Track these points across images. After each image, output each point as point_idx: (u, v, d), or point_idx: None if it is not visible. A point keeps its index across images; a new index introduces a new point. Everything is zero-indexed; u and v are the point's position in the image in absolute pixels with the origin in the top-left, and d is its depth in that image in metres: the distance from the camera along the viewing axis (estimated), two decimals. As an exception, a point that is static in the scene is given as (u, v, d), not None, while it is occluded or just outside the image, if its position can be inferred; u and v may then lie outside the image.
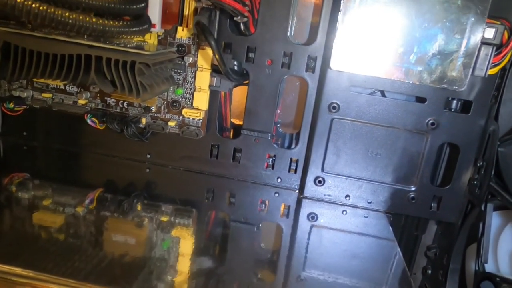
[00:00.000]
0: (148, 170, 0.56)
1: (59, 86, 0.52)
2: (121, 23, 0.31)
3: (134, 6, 0.33)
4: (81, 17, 0.28)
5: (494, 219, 0.43)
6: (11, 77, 0.42)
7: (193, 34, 0.47)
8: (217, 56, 0.43)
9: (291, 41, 0.48)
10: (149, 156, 0.55)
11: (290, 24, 0.48)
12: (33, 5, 0.26)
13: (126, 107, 0.52)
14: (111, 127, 0.51)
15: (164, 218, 0.53)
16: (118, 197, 0.55)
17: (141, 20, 0.34)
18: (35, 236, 0.42)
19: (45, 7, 0.27)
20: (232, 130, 0.56)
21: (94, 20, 0.29)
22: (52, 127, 0.56)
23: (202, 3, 0.45)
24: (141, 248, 0.44)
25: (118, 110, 0.52)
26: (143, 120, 0.52)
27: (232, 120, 0.56)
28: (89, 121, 0.51)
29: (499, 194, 0.42)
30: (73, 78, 0.41)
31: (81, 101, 0.52)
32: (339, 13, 0.45)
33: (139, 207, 0.55)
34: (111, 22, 0.30)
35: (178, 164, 0.55)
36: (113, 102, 0.52)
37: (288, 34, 0.48)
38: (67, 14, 0.27)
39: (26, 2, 0.26)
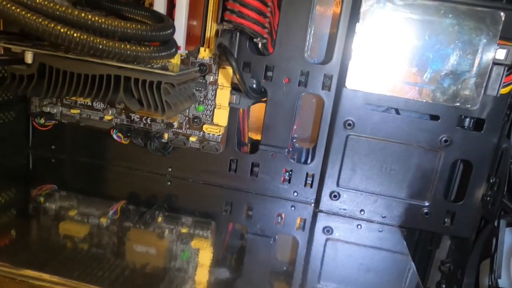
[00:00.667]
0: (169, 183, 0.58)
1: (87, 102, 0.55)
2: (151, 49, 0.33)
3: (163, 33, 0.35)
4: (117, 45, 0.31)
5: (508, 235, 0.44)
6: (46, 95, 0.45)
7: (214, 54, 0.50)
8: (237, 76, 0.46)
9: (308, 61, 0.50)
10: (170, 169, 0.57)
11: (307, 44, 0.50)
12: (75, 35, 0.29)
13: (149, 122, 0.55)
14: (135, 141, 0.53)
15: (184, 230, 0.55)
16: (140, 208, 0.57)
17: (169, 45, 0.37)
18: (61, 245, 0.44)
19: (85, 36, 0.29)
20: (249, 145, 0.58)
21: (128, 47, 0.31)
22: (79, 141, 0.59)
23: (224, 25, 0.47)
24: (162, 258, 0.46)
25: (142, 126, 0.55)
26: (166, 136, 0.54)
27: (249, 135, 0.58)
28: (115, 136, 0.53)
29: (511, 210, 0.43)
30: (103, 97, 0.43)
31: (107, 117, 0.55)
32: (355, 35, 0.47)
33: (160, 219, 0.57)
34: (143, 48, 0.32)
35: (198, 177, 0.57)
36: (137, 118, 0.55)
37: (305, 53, 0.50)
38: (104, 42, 0.30)
39: (68, 32, 0.29)
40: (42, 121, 0.55)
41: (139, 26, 0.32)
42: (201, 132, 0.54)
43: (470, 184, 0.49)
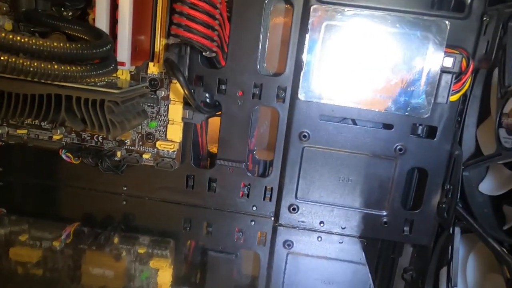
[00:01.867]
0: (124, 202, 0.56)
1: (35, 122, 0.53)
2: (84, 68, 0.32)
3: (99, 50, 0.34)
4: (42, 65, 0.29)
5: (462, 242, 0.44)
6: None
7: (163, 69, 0.49)
8: (186, 92, 0.44)
9: (261, 73, 0.50)
10: (125, 188, 0.55)
11: (259, 56, 0.49)
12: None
13: (101, 141, 0.53)
14: (85, 161, 0.51)
15: (142, 250, 0.53)
16: (95, 230, 0.55)
17: (106, 62, 0.35)
18: (12, 271, 0.42)
19: (5, 57, 0.28)
20: (209, 159, 0.57)
21: (56, 67, 0.30)
22: (28, 162, 0.56)
23: (172, 40, 0.46)
24: (120, 280, 0.45)
25: (93, 144, 0.53)
26: (118, 153, 0.53)
27: (209, 149, 0.57)
28: (64, 156, 0.51)
29: (464, 218, 0.43)
30: (44, 117, 0.42)
31: (56, 137, 0.52)
32: (305, 46, 0.47)
33: (116, 240, 0.55)
34: (74, 68, 0.31)
35: (154, 195, 0.56)
36: (88, 136, 0.53)
37: (258, 66, 0.49)
38: (28, 63, 0.28)
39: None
40: (-15, 143, 0.52)
41: (67, 45, 0.30)
42: (155, 149, 0.52)
43: (426, 192, 0.49)
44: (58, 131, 0.52)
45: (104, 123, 0.41)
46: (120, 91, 0.41)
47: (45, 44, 0.29)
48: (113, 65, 0.36)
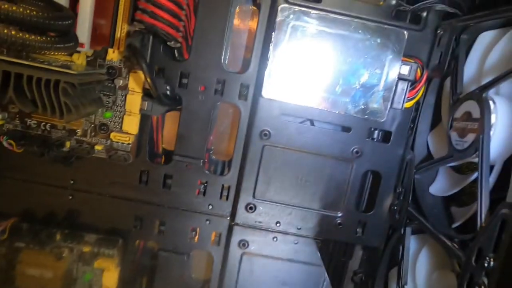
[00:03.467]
0: (70, 197, 0.52)
1: (-28, 104, 0.48)
2: (44, 39, 0.29)
3: (60, 22, 0.31)
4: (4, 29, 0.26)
5: (412, 242, 0.46)
6: None
7: (124, 57, 0.47)
8: (148, 80, 0.43)
9: (225, 69, 0.49)
10: (72, 182, 0.52)
11: (223, 52, 0.49)
12: None
13: (48, 129, 0.49)
14: (30, 150, 0.47)
15: (87, 249, 0.50)
16: (35, 226, 0.51)
17: (67, 37, 0.33)
18: None
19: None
20: (163, 156, 0.55)
21: (13, 32, 0.27)
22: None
23: (135, 26, 0.45)
24: (59, 282, 0.41)
25: (39, 133, 0.49)
26: (67, 144, 0.49)
27: (163, 146, 0.55)
28: (5, 143, 0.47)
29: (416, 218, 0.45)
30: (-13, 96, 0.38)
31: (-3, 122, 0.48)
32: (271, 44, 0.47)
33: (58, 237, 0.51)
34: (33, 37, 0.28)
35: (104, 190, 0.52)
36: (34, 123, 0.49)
37: (222, 61, 0.49)
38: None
39: None
40: None
41: (28, 11, 0.28)
42: (109, 141, 0.50)
43: (379, 194, 0.51)
44: (0, 116, 0.48)
45: (57, 106, 0.39)
46: (78, 72, 0.39)
47: (3, 6, 0.27)
48: (73, 42, 0.34)
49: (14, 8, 0.27)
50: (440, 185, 0.44)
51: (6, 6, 0.27)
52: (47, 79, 0.38)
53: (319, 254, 0.49)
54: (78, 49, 0.40)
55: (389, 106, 0.48)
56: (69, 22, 0.33)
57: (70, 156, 0.50)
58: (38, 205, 0.52)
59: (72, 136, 0.49)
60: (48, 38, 0.30)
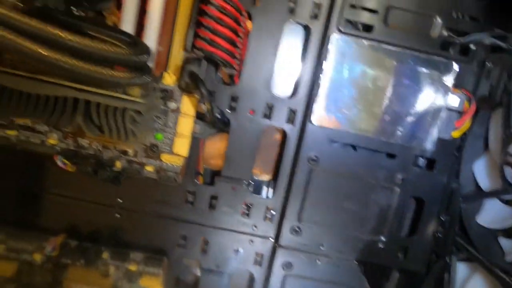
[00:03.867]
0: (118, 215, 0.53)
1: (27, 123, 0.49)
2: (129, 75, 0.30)
3: (141, 57, 0.32)
4: (95, 69, 0.27)
5: (461, 269, 0.46)
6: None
7: (179, 81, 0.47)
8: (208, 105, 0.44)
9: (274, 93, 0.50)
10: (120, 200, 0.53)
11: (273, 77, 0.50)
12: (46, 54, 0.25)
13: (101, 149, 0.50)
14: (83, 169, 0.48)
15: (133, 267, 0.51)
16: (83, 244, 0.51)
17: (144, 70, 0.34)
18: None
19: (60, 57, 0.26)
20: (202, 175, 0.56)
21: (108, 72, 0.28)
22: (12, 166, 0.52)
23: (192, 52, 0.45)
24: (107, 299, 0.42)
25: (91, 152, 0.50)
26: (118, 164, 0.50)
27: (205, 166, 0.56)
28: (59, 163, 0.48)
29: (464, 248, 0.45)
30: (58, 122, 0.39)
31: (51, 141, 0.49)
32: (321, 72, 0.48)
33: (105, 255, 0.52)
34: (121, 74, 0.29)
35: (151, 209, 0.53)
36: (86, 143, 0.49)
37: (271, 86, 0.50)
38: (82, 65, 0.27)
39: (40, 50, 0.25)
40: (-31, 142, 0.47)
41: (119, 50, 0.29)
42: (158, 161, 0.50)
43: (422, 220, 0.52)
44: (55, 135, 0.48)
45: (123, 132, 0.39)
46: (144, 100, 0.40)
47: (98, 46, 0.28)
48: (149, 75, 0.35)
49: (107, 47, 0.28)
50: (489, 217, 0.45)
51: (101, 44, 0.28)
52: (115, 107, 0.39)
53: (364, 277, 0.50)
54: (143, 76, 0.40)
55: (436, 136, 0.49)
56: (147, 55, 0.34)
57: (120, 176, 0.50)
58: (86, 222, 0.53)
59: (124, 157, 0.50)
60: (132, 74, 0.31)
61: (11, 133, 0.49)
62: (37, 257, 0.49)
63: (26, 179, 0.52)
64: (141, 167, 0.50)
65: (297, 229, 0.52)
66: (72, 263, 0.50)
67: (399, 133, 0.49)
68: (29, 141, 0.49)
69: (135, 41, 0.36)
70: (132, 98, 0.38)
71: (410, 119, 0.49)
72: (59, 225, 0.53)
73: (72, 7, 0.44)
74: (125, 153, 0.50)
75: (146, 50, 0.34)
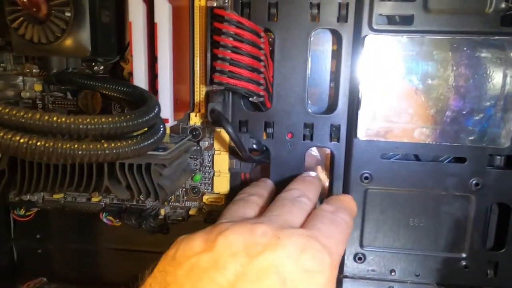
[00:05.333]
0: (172, 262, 0.51)
1: (70, 184, 0.49)
2: (134, 141, 0.28)
3: (150, 116, 0.30)
4: (91, 146, 0.25)
5: None
6: (19, 192, 0.39)
7: (206, 119, 0.45)
8: (236, 144, 0.40)
9: (311, 112, 0.45)
10: (171, 247, 0.51)
11: (307, 94, 0.45)
12: (38, 143, 0.24)
13: (142, 199, 0.49)
14: (128, 223, 0.47)
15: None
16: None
17: (156, 128, 0.31)
18: None
19: (50, 143, 0.24)
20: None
21: (105, 145, 0.26)
22: (66, 227, 0.53)
23: (213, 87, 0.42)
24: None
25: (134, 203, 0.49)
26: (162, 211, 0.49)
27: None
28: (105, 220, 0.47)
29: None
30: (85, 188, 0.38)
31: (95, 199, 0.49)
32: (360, 80, 0.42)
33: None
34: (124, 143, 0.27)
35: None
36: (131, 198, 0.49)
37: (306, 104, 0.45)
38: (76, 146, 0.24)
39: (30, 142, 0.23)
40: (22, 212, 0.49)
41: (116, 118, 0.26)
42: (202, 203, 0.48)
43: (511, 229, 0.44)
44: (97, 192, 0.48)
45: (151, 189, 0.37)
46: (167, 152, 0.37)
47: (92, 121, 0.25)
48: (162, 129, 0.32)
49: (103, 119, 0.26)
50: None
51: (95, 120, 0.25)
52: (138, 164, 0.37)
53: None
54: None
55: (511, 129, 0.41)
56: (157, 111, 0.31)
57: (167, 224, 0.49)
58: (143, 270, 0.52)
59: (166, 204, 0.48)
60: (139, 138, 0.28)
61: (58, 196, 0.50)
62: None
63: (80, 238, 0.53)
64: (185, 211, 0.49)
65: (361, 256, 0.46)
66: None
67: (465, 133, 0.42)
68: (76, 201, 0.50)
69: (143, 94, 0.33)
70: (152, 153, 0.36)
71: (476, 113, 0.41)
72: (119, 277, 0.52)
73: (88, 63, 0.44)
74: (168, 200, 0.49)
75: (154, 105, 0.31)
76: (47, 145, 0.24)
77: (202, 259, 0.27)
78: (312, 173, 0.46)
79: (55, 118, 0.24)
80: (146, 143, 0.29)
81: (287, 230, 0.30)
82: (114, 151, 0.26)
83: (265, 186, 0.43)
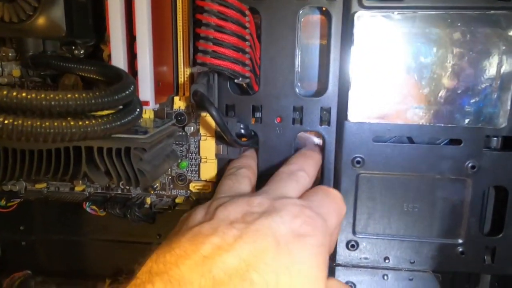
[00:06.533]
0: (159, 252, 0.50)
1: (53, 174, 0.48)
2: (105, 119, 0.26)
3: (122, 95, 0.28)
4: (55, 124, 0.23)
5: None
6: (-5, 180, 0.37)
7: (191, 103, 0.43)
8: (220, 127, 0.39)
9: (299, 94, 0.44)
10: (159, 237, 0.50)
11: (296, 76, 0.43)
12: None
13: (128, 188, 0.47)
14: (113, 213, 0.46)
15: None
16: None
17: (130, 107, 0.29)
18: None
19: (9, 120, 0.22)
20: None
21: (72, 123, 0.24)
22: (50, 218, 0.51)
23: (198, 68, 0.41)
24: None
25: (119, 192, 0.47)
26: (148, 200, 0.47)
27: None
28: (88, 210, 0.46)
29: None
30: (63, 174, 0.36)
31: (78, 188, 0.47)
32: (350, 60, 0.40)
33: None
34: (93, 121, 0.25)
35: (191, 242, 0.49)
36: (113, 184, 0.47)
37: (295, 87, 0.43)
38: (38, 123, 0.23)
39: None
40: (3, 202, 0.47)
41: (84, 95, 0.25)
42: (188, 191, 0.46)
43: (508, 213, 0.42)
44: (80, 181, 0.47)
45: (131, 174, 0.36)
46: (147, 135, 0.36)
47: (56, 97, 0.23)
48: (138, 110, 0.30)
49: (69, 96, 0.24)
50: None
51: (60, 95, 0.24)
52: (117, 148, 0.35)
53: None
54: (143, 107, 0.36)
55: (509, 107, 0.39)
56: (131, 89, 0.29)
57: (153, 212, 0.47)
58: (129, 262, 0.51)
59: (152, 192, 0.47)
60: (111, 117, 0.27)
61: (41, 186, 0.48)
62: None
63: (65, 229, 0.51)
64: (171, 200, 0.47)
65: (353, 243, 0.45)
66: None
67: (460, 114, 0.40)
68: (59, 191, 0.48)
69: (119, 73, 0.32)
70: (131, 136, 0.34)
71: (472, 93, 0.40)
72: (104, 269, 0.51)
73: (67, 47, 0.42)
74: (152, 188, 0.47)
75: (130, 82, 0.30)
76: (6, 121, 0.22)
77: (203, 227, 0.29)
78: (316, 139, 0.45)
79: (14, 94, 0.22)
80: (118, 122, 0.27)
81: (282, 200, 0.32)
82: (82, 129, 0.25)
83: (251, 155, 0.45)
